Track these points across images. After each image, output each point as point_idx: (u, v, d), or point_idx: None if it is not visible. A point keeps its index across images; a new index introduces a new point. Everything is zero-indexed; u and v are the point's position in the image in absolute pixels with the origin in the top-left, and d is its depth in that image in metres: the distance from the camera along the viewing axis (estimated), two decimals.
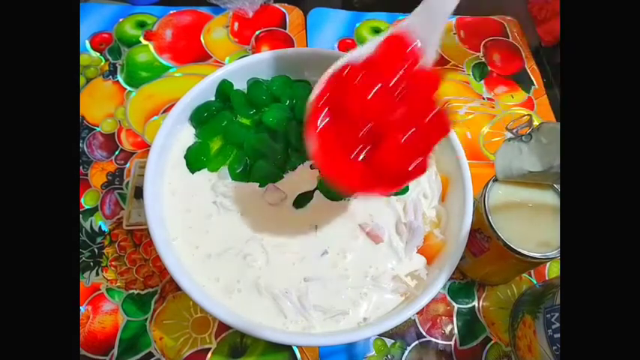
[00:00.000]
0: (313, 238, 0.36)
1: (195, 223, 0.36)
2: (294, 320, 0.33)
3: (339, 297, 0.34)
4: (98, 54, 0.55)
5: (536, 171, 0.34)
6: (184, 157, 0.38)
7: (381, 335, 0.41)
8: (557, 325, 0.34)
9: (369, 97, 0.30)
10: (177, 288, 0.33)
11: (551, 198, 0.37)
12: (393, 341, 0.41)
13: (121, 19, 0.58)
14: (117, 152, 0.48)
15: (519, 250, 0.35)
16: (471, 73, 0.58)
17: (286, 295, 0.33)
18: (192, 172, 0.38)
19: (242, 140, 0.38)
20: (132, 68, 0.54)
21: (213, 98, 0.41)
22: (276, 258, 0.35)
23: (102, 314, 0.40)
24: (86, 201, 0.45)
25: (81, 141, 0.49)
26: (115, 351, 0.39)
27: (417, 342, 0.42)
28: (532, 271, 0.46)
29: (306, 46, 0.58)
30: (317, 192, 0.37)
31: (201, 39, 0.58)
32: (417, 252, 0.37)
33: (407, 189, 0.38)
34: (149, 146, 0.39)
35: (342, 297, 0.34)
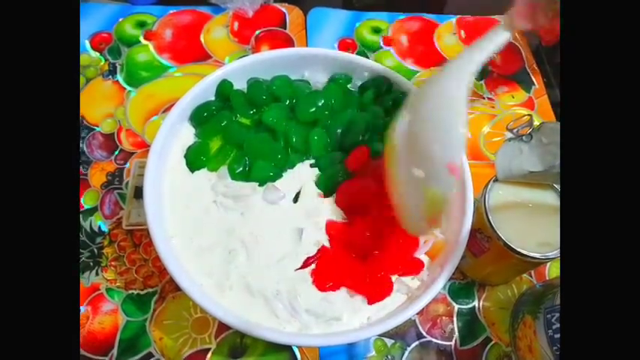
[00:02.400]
0: (307, 237, 0.35)
1: (195, 222, 0.36)
2: (286, 320, 0.33)
3: (332, 299, 0.34)
4: (98, 54, 0.55)
5: (536, 171, 0.34)
6: (184, 157, 0.38)
7: (381, 335, 0.41)
8: (558, 325, 0.34)
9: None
10: (177, 288, 0.33)
11: (551, 198, 0.37)
12: (393, 341, 0.41)
13: (120, 19, 0.58)
14: (117, 152, 0.48)
15: (520, 250, 0.35)
16: None
17: (277, 296, 0.33)
18: (192, 172, 0.38)
19: (242, 140, 0.38)
20: (132, 68, 0.54)
21: (213, 98, 0.41)
22: (262, 256, 0.34)
23: (101, 314, 0.40)
24: (86, 201, 0.45)
25: (81, 141, 0.48)
26: (115, 351, 0.39)
27: (417, 342, 0.41)
28: (532, 272, 0.46)
29: (306, 45, 0.58)
30: (315, 193, 0.37)
31: (201, 39, 0.57)
32: None
33: None
34: (149, 146, 0.39)
35: (335, 299, 0.34)
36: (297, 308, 0.33)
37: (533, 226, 0.36)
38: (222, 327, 0.40)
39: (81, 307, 0.40)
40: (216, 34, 0.58)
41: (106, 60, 0.55)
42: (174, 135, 0.39)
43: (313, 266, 0.34)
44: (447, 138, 0.27)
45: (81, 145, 0.48)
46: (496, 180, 0.37)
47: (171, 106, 0.38)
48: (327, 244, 0.35)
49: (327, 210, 0.36)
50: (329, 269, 0.34)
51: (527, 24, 0.29)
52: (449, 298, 0.44)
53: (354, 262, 0.34)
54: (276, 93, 0.41)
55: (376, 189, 0.35)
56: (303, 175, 0.38)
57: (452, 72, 0.29)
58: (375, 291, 0.34)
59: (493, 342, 0.42)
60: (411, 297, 0.34)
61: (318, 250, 0.34)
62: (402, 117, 0.30)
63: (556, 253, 0.35)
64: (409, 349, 0.41)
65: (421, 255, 0.36)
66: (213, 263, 0.34)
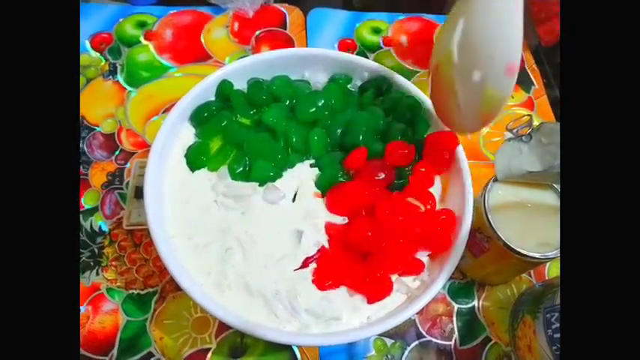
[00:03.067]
0: (306, 238, 0.35)
1: (195, 222, 0.36)
2: (286, 320, 0.33)
3: (331, 298, 0.34)
4: (98, 54, 0.55)
5: (535, 171, 0.34)
6: (185, 157, 0.38)
7: (381, 335, 0.41)
8: (557, 325, 0.34)
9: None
10: (177, 288, 0.33)
11: (550, 198, 0.37)
12: (393, 341, 0.41)
13: (121, 19, 0.58)
14: (117, 152, 0.48)
15: (519, 250, 0.35)
16: None
17: (276, 296, 0.33)
18: (193, 172, 0.38)
19: (242, 140, 0.38)
20: (132, 68, 0.54)
21: (213, 98, 0.41)
22: (260, 256, 0.34)
23: (102, 314, 0.40)
24: (86, 201, 0.45)
25: (81, 141, 0.49)
26: (115, 351, 0.39)
27: (416, 342, 0.42)
28: (532, 271, 0.46)
29: (306, 46, 0.59)
30: (314, 193, 0.37)
31: (202, 39, 0.58)
32: None
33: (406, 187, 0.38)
34: (149, 146, 0.39)
35: (334, 298, 0.34)
36: (297, 308, 0.33)
37: (533, 226, 0.36)
38: (223, 327, 0.40)
39: (81, 307, 0.40)
40: (216, 34, 0.58)
41: (106, 60, 0.55)
42: (175, 135, 0.39)
43: (313, 266, 0.34)
44: (506, 40, 0.30)
45: (81, 145, 0.48)
46: (496, 180, 0.37)
47: (172, 106, 0.38)
48: (326, 244, 0.35)
49: (326, 210, 0.36)
50: (329, 269, 0.34)
51: None
52: (448, 298, 0.44)
53: (354, 262, 0.34)
54: (276, 93, 0.41)
55: (367, 190, 0.35)
56: (303, 175, 0.38)
57: None
58: (375, 290, 0.34)
59: (493, 342, 0.42)
60: (411, 297, 0.34)
61: (318, 250, 0.35)
62: (455, 28, 0.33)
63: (556, 253, 0.35)
64: (409, 348, 0.41)
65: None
66: (211, 262, 0.34)
